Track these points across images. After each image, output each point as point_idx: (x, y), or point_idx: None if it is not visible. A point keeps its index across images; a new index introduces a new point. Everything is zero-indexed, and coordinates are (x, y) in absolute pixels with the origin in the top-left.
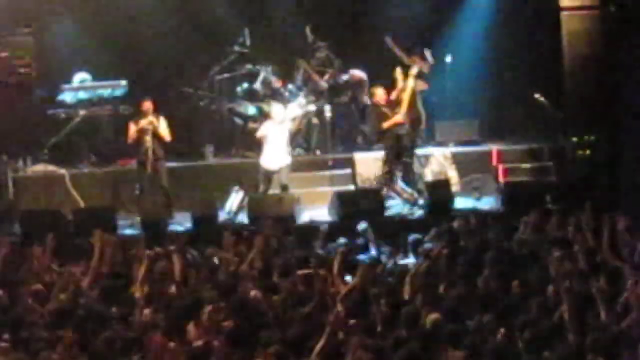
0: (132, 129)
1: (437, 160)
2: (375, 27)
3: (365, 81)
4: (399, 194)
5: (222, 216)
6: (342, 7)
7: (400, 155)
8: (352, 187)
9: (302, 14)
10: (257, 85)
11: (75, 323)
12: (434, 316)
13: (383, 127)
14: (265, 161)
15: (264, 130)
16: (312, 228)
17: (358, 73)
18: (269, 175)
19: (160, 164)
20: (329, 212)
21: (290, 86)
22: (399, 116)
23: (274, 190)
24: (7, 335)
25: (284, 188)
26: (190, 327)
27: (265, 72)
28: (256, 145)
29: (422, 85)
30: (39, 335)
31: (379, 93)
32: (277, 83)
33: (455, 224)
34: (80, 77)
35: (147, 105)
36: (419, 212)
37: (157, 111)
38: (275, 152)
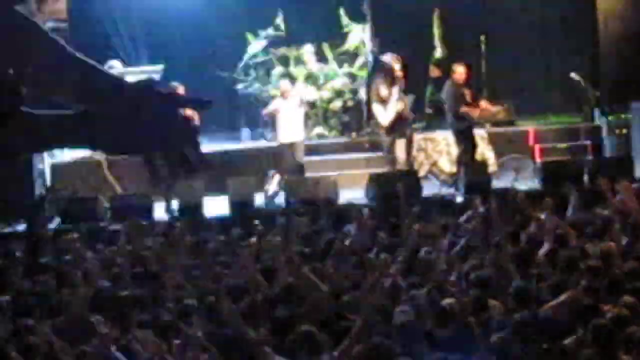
0: None
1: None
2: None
3: (392, 68)
4: (436, 176)
5: (259, 200)
6: None
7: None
8: (387, 170)
9: None
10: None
11: (113, 307)
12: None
13: (461, 111)
14: (280, 137)
15: (273, 106)
16: (349, 210)
17: (388, 58)
18: (283, 150)
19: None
20: (366, 194)
21: (325, 69)
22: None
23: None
24: (50, 321)
25: (299, 169)
26: None
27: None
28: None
29: (437, 72)
30: (79, 320)
31: (459, 71)
32: (312, 65)
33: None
34: (111, 64)
35: (181, 90)
36: (457, 193)
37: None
38: (288, 127)
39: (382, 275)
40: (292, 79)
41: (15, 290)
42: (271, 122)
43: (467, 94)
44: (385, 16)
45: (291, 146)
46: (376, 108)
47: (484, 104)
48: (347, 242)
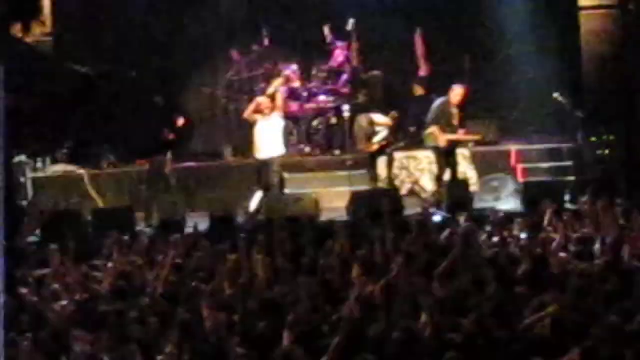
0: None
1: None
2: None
3: (380, 79)
4: (418, 194)
5: (240, 217)
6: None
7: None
8: (369, 187)
9: (321, 13)
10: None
11: (93, 323)
12: None
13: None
14: (257, 153)
15: (253, 118)
16: (331, 227)
17: (376, 73)
18: (261, 167)
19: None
20: (347, 212)
21: (309, 85)
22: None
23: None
24: (29, 335)
25: (267, 188)
26: None
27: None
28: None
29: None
30: (59, 335)
31: (458, 92)
32: (296, 82)
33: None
34: None
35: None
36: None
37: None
38: (266, 143)
39: (362, 293)
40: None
41: None
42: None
43: (456, 115)
44: (370, 34)
45: (268, 162)
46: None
47: (462, 132)
48: (328, 260)
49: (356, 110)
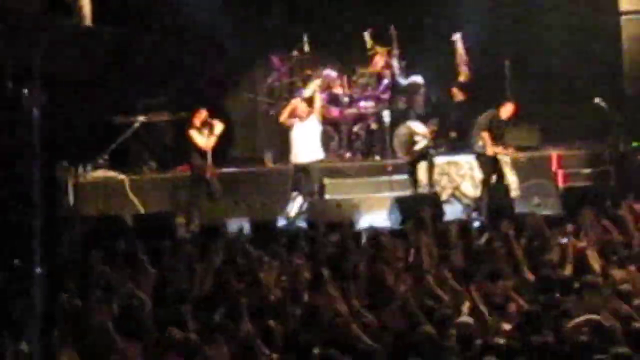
0: (198, 137)
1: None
2: (437, 31)
3: (420, 85)
4: (459, 200)
5: (281, 222)
6: (404, 11)
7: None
8: (410, 193)
9: (362, 19)
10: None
11: (136, 330)
12: None
13: (482, 134)
14: (294, 157)
15: (290, 122)
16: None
17: (415, 78)
18: (299, 171)
19: (215, 170)
20: (388, 217)
21: (350, 91)
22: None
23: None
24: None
25: (317, 190)
26: None
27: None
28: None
29: (460, 96)
30: (102, 341)
31: (508, 108)
32: (337, 88)
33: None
34: None
35: (205, 113)
36: (479, 218)
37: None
38: (304, 148)
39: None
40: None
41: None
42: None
43: (504, 131)
44: (410, 40)
45: (307, 167)
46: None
47: (510, 148)
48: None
49: (396, 117)
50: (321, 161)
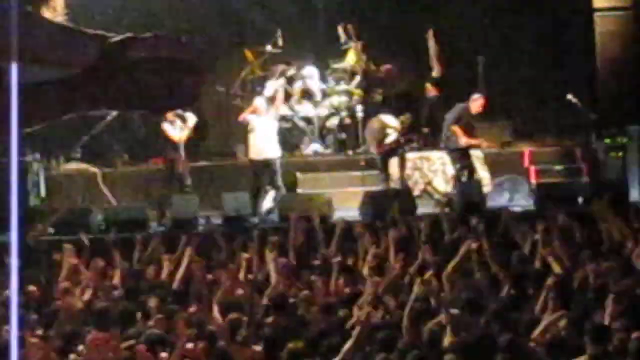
0: (171, 129)
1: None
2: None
3: (397, 74)
4: (430, 195)
5: (253, 216)
6: (381, 5)
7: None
8: (383, 188)
9: (335, 12)
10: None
11: (102, 320)
12: None
13: (452, 128)
14: (253, 153)
15: (248, 119)
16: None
17: (388, 67)
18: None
19: (188, 163)
20: (360, 212)
21: (322, 86)
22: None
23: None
24: (39, 332)
25: (277, 187)
26: None
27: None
28: (285, 145)
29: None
30: (69, 331)
31: (479, 102)
32: (311, 83)
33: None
34: None
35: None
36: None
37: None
38: (262, 144)
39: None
40: (288, 96)
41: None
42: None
43: (473, 124)
44: (383, 34)
45: (268, 163)
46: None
47: (482, 139)
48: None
49: (370, 111)
50: (282, 157)
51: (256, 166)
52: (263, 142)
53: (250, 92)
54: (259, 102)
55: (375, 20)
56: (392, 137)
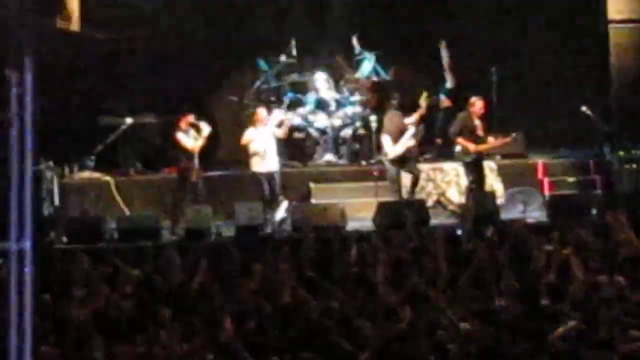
0: (185, 139)
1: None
2: (425, 38)
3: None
4: (444, 206)
5: (267, 226)
6: (395, 16)
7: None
8: (396, 198)
9: (350, 23)
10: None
11: (110, 328)
12: None
13: (457, 140)
14: (256, 166)
15: (248, 136)
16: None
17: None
18: (259, 179)
19: (201, 172)
20: (373, 222)
21: (337, 96)
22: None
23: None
24: (52, 339)
25: (276, 198)
26: None
27: (314, 78)
28: (299, 155)
29: (447, 102)
30: (81, 339)
31: (478, 104)
32: (324, 92)
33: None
34: None
35: (192, 116)
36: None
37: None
38: (265, 156)
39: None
40: (302, 105)
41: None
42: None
43: (480, 127)
44: (393, 46)
45: (268, 176)
46: (385, 139)
47: (492, 140)
48: (356, 270)
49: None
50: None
51: (256, 178)
52: (263, 154)
53: (264, 102)
54: (260, 112)
55: (388, 32)
56: (409, 138)
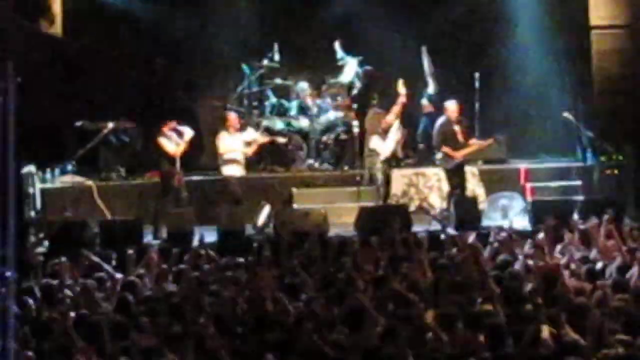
0: (168, 144)
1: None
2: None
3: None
4: (426, 211)
5: (249, 230)
6: (375, 20)
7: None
8: (377, 203)
9: (331, 28)
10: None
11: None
12: None
13: (442, 150)
14: (229, 171)
15: (225, 143)
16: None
17: (367, 68)
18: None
19: (182, 176)
20: (355, 227)
21: (318, 101)
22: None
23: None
24: (33, 343)
25: (237, 202)
26: None
27: (297, 87)
28: (281, 160)
29: (429, 108)
30: (63, 345)
31: (452, 108)
32: (307, 98)
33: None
34: None
35: (174, 122)
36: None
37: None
38: (239, 162)
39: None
40: (284, 110)
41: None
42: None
43: (459, 131)
44: (378, 50)
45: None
46: (373, 140)
47: (474, 142)
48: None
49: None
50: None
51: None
52: (236, 160)
53: (247, 107)
54: (232, 117)
55: (370, 37)
56: (396, 131)
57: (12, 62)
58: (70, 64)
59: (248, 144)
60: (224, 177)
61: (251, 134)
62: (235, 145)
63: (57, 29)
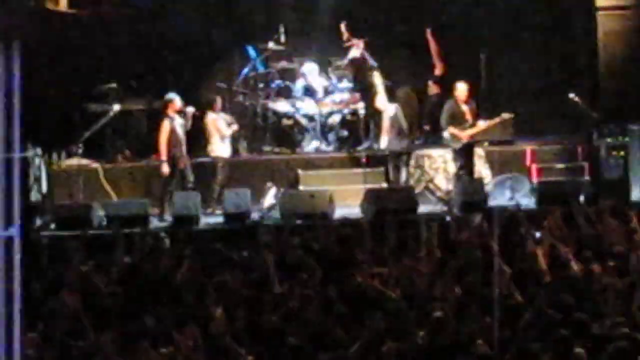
0: (168, 126)
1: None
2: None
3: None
4: (432, 193)
5: (255, 213)
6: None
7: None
8: (384, 185)
9: (339, 10)
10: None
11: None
12: None
13: (450, 132)
14: (218, 151)
15: (212, 121)
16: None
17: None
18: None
19: (188, 159)
20: (361, 209)
21: (325, 83)
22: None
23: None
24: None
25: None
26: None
27: (304, 68)
28: (287, 142)
29: (435, 89)
30: (69, 327)
31: (461, 88)
32: (313, 79)
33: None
34: None
35: (179, 103)
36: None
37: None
38: (222, 142)
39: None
40: (290, 92)
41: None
42: None
43: (467, 111)
44: (381, 33)
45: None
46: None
47: (482, 123)
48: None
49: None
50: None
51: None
52: (217, 140)
53: (252, 89)
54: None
55: (376, 18)
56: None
57: (17, 42)
58: (77, 43)
59: (229, 124)
60: (214, 158)
61: (226, 116)
62: (222, 125)
63: (62, 7)
